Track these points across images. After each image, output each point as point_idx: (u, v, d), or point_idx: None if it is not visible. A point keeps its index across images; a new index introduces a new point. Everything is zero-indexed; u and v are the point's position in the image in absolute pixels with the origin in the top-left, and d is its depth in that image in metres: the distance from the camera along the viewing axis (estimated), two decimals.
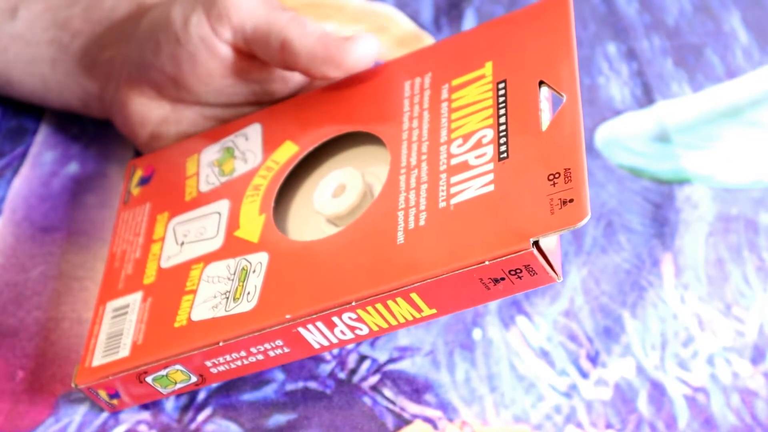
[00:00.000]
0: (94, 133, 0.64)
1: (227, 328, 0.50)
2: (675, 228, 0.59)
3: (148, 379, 0.51)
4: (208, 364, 0.50)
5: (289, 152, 0.55)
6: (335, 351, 0.55)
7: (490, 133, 0.50)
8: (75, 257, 0.59)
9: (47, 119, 0.64)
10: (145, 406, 0.53)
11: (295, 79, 0.58)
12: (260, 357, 0.50)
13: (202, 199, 0.55)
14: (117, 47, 0.60)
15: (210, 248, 0.53)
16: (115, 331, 0.53)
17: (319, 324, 0.49)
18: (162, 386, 0.52)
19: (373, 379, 0.54)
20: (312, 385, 0.54)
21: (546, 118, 0.50)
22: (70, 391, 0.54)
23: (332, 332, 0.49)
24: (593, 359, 0.55)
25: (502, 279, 0.46)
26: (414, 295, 0.47)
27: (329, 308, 0.48)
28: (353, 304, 0.48)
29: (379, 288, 0.47)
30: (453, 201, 0.48)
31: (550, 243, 0.47)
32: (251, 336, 0.49)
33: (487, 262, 0.46)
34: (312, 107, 0.56)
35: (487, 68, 0.53)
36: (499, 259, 0.46)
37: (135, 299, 0.53)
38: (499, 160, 0.49)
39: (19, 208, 0.60)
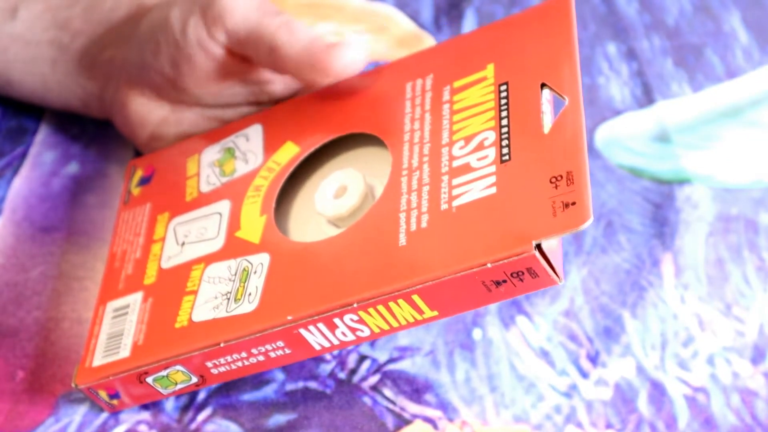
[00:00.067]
0: (94, 133, 0.64)
1: (228, 328, 0.50)
2: (675, 228, 0.59)
3: (149, 380, 0.51)
4: (209, 364, 0.50)
5: (290, 153, 0.55)
6: (336, 352, 0.55)
7: (492, 136, 0.50)
8: (75, 257, 0.59)
9: (47, 119, 0.64)
10: (145, 407, 0.53)
11: (294, 80, 0.58)
12: (261, 358, 0.50)
13: (203, 200, 0.55)
14: (117, 48, 0.59)
15: (211, 249, 0.53)
16: (116, 332, 0.53)
17: (321, 325, 0.49)
18: (162, 387, 0.52)
19: (373, 379, 0.54)
20: (312, 385, 0.54)
21: (548, 120, 0.50)
22: (70, 391, 0.54)
23: (333, 333, 0.49)
24: (593, 359, 0.55)
25: (504, 281, 0.46)
26: (416, 297, 0.47)
27: (331, 310, 0.48)
28: (355, 305, 0.48)
29: (381, 290, 0.47)
30: (455, 203, 0.48)
31: (551, 245, 0.47)
32: (252, 337, 0.49)
33: (489, 265, 0.46)
34: (313, 108, 0.56)
35: (489, 70, 0.53)
36: (501, 262, 0.46)
37: (135, 299, 0.53)
38: (501, 163, 0.49)
39: (19, 208, 0.60)
